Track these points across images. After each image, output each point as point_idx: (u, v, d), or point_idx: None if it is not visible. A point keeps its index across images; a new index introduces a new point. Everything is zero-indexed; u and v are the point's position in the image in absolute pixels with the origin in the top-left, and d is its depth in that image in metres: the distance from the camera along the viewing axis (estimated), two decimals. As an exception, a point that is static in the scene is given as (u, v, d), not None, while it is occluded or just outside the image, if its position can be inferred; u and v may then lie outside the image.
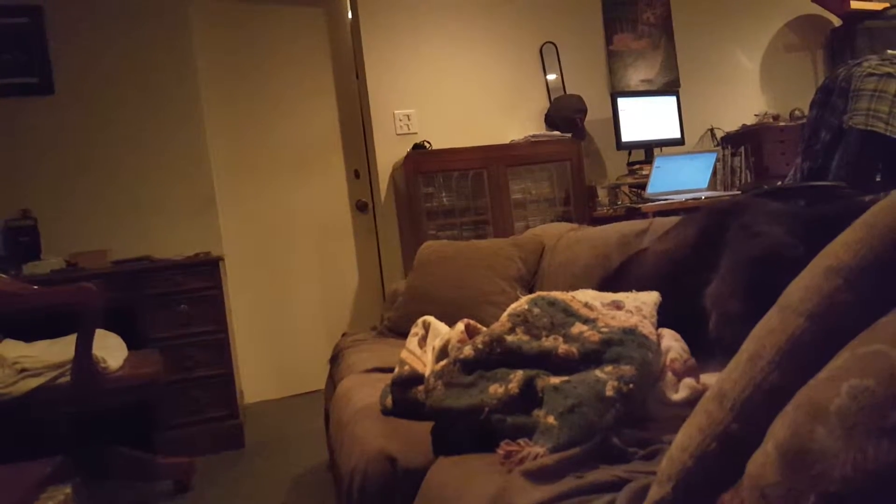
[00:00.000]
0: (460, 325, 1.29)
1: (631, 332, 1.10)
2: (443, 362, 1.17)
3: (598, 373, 1.00)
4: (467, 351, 1.12)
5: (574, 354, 1.06)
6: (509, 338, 1.12)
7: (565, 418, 0.93)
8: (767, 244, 1.16)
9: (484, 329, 1.23)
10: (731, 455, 0.56)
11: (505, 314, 1.21)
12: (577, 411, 0.94)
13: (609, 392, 0.96)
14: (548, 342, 1.11)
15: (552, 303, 1.22)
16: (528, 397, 1.01)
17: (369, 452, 1.16)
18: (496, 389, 1.03)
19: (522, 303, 1.24)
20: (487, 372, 1.08)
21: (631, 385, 0.98)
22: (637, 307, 1.22)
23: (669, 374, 1.11)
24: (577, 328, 1.13)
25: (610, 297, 1.28)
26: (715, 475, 0.57)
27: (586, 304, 1.23)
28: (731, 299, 1.15)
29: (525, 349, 1.10)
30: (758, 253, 1.16)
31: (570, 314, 1.19)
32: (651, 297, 1.27)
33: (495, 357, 1.10)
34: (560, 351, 1.07)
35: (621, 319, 1.16)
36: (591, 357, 1.05)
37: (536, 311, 1.19)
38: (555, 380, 1.01)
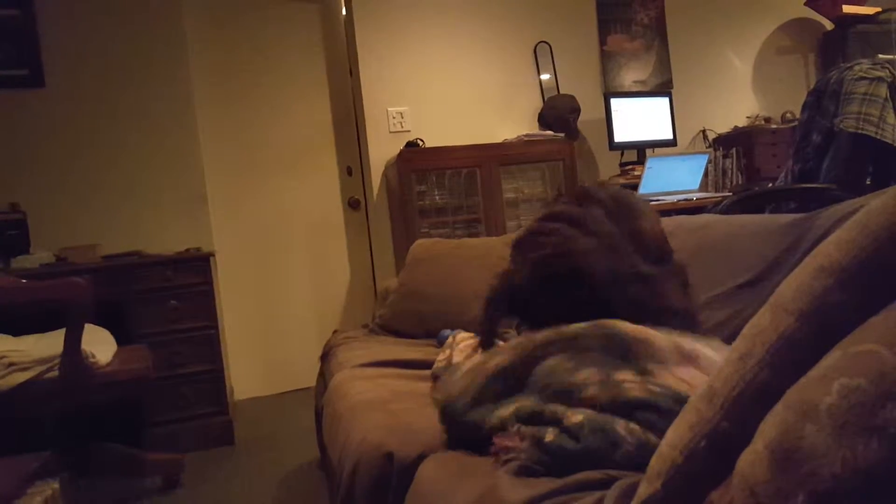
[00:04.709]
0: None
1: (682, 401, 0.87)
2: (468, 363, 1.13)
3: (616, 427, 0.88)
4: (499, 360, 1.04)
5: (599, 401, 0.92)
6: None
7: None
8: None
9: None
10: (720, 453, 0.56)
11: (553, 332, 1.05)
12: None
13: (621, 432, 0.86)
14: (580, 376, 0.96)
15: (610, 336, 1.02)
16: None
17: (366, 446, 1.16)
18: (502, 412, 0.98)
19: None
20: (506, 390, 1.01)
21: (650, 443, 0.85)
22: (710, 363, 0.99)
23: None
24: (622, 375, 0.93)
25: (689, 343, 0.99)
26: (705, 473, 0.57)
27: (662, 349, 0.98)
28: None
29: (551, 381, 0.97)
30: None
31: (626, 358, 0.97)
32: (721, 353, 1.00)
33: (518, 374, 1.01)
34: (585, 395, 0.93)
35: (683, 378, 0.92)
36: (619, 411, 0.90)
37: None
38: (573, 416, 0.90)
